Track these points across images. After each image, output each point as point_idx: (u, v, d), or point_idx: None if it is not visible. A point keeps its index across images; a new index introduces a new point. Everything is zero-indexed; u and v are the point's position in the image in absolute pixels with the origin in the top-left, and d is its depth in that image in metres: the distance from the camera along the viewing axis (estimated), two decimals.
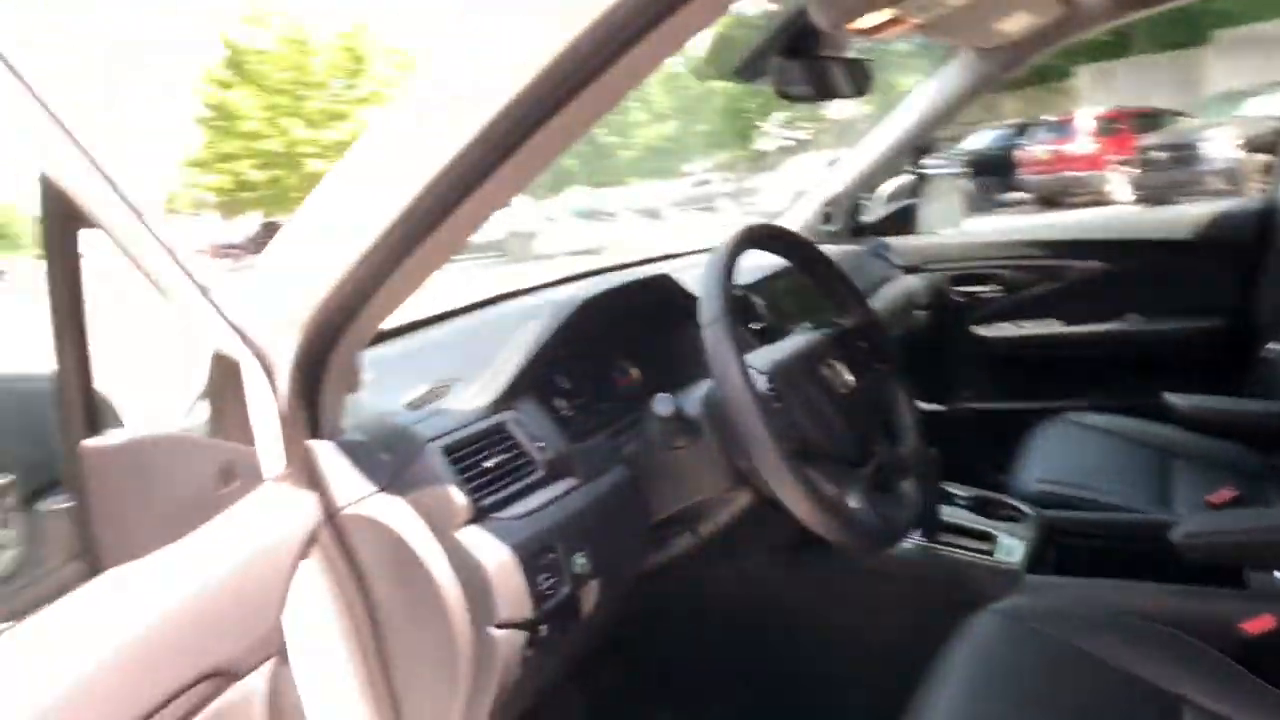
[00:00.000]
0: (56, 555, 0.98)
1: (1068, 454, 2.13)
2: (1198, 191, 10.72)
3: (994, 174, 13.82)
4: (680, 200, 20.10)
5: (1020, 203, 13.72)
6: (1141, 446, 2.14)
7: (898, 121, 2.58)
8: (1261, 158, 10.47)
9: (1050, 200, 13.36)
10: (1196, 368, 2.47)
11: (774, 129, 21.02)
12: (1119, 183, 12.60)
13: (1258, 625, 1.51)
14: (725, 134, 22.44)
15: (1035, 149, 13.82)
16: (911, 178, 2.88)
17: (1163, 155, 11.82)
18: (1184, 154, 11.51)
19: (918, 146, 2.72)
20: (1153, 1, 2.19)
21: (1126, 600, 1.60)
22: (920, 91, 2.53)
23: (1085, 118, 13.68)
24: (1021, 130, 14.60)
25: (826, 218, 2.65)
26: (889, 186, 2.87)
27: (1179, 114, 13.45)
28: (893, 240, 2.76)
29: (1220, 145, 11.10)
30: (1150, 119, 13.34)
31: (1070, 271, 2.67)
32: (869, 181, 2.71)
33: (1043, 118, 14.61)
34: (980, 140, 14.85)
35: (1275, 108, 10.97)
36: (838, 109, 20.36)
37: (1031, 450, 2.15)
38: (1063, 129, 13.68)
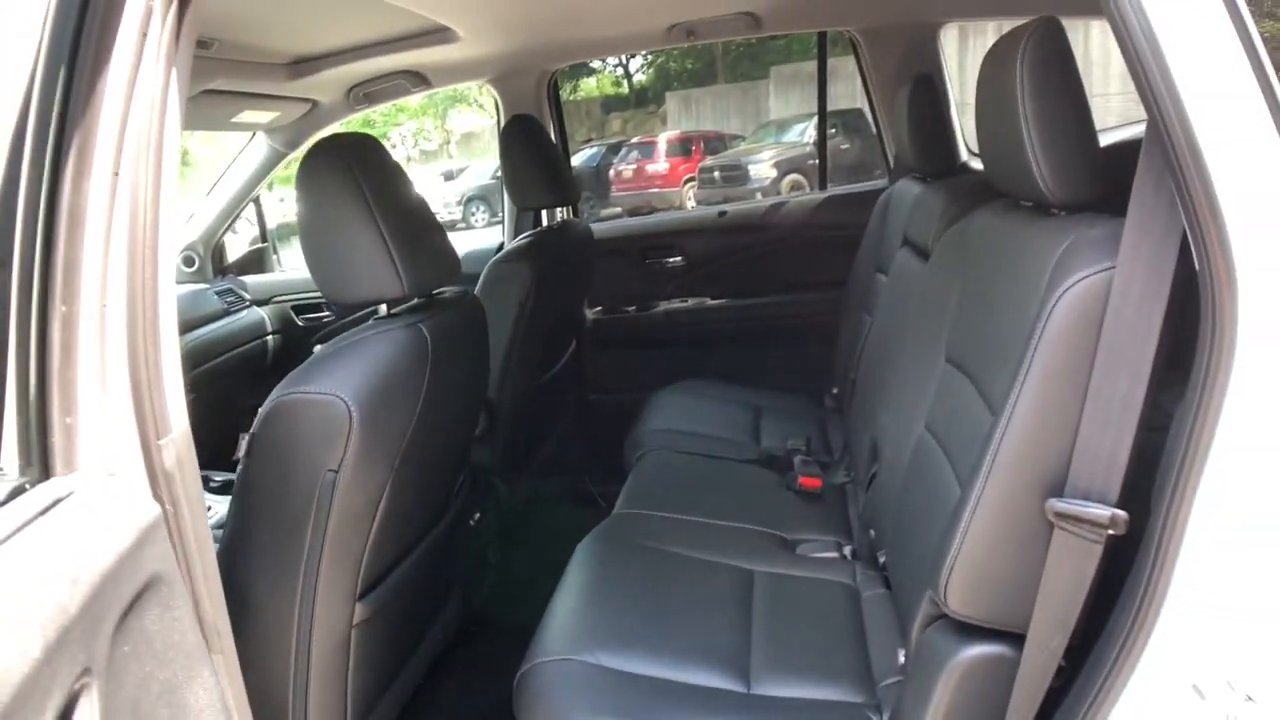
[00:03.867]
0: None
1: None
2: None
3: (594, 190, 14.88)
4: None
5: (616, 215, 14.84)
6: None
7: (234, 179, 3.17)
8: (790, 177, 12.48)
9: (636, 214, 14.47)
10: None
11: (401, 140, 20.80)
12: (690, 198, 13.85)
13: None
14: None
15: (624, 167, 14.73)
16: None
17: (717, 175, 13.25)
18: (733, 173, 13.00)
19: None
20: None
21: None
22: (247, 155, 3.15)
23: (664, 140, 14.92)
24: (615, 149, 15.63)
25: (189, 261, 3.13)
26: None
27: (738, 137, 15.26)
28: (248, 278, 3.28)
29: (761, 167, 12.76)
30: (717, 141, 14.96)
31: None
32: (216, 229, 3.21)
33: (634, 140, 15.91)
34: (580, 158, 15.80)
35: (809, 135, 12.96)
36: (459, 123, 20.66)
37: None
38: (647, 149, 14.82)
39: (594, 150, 16.02)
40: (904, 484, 1.60)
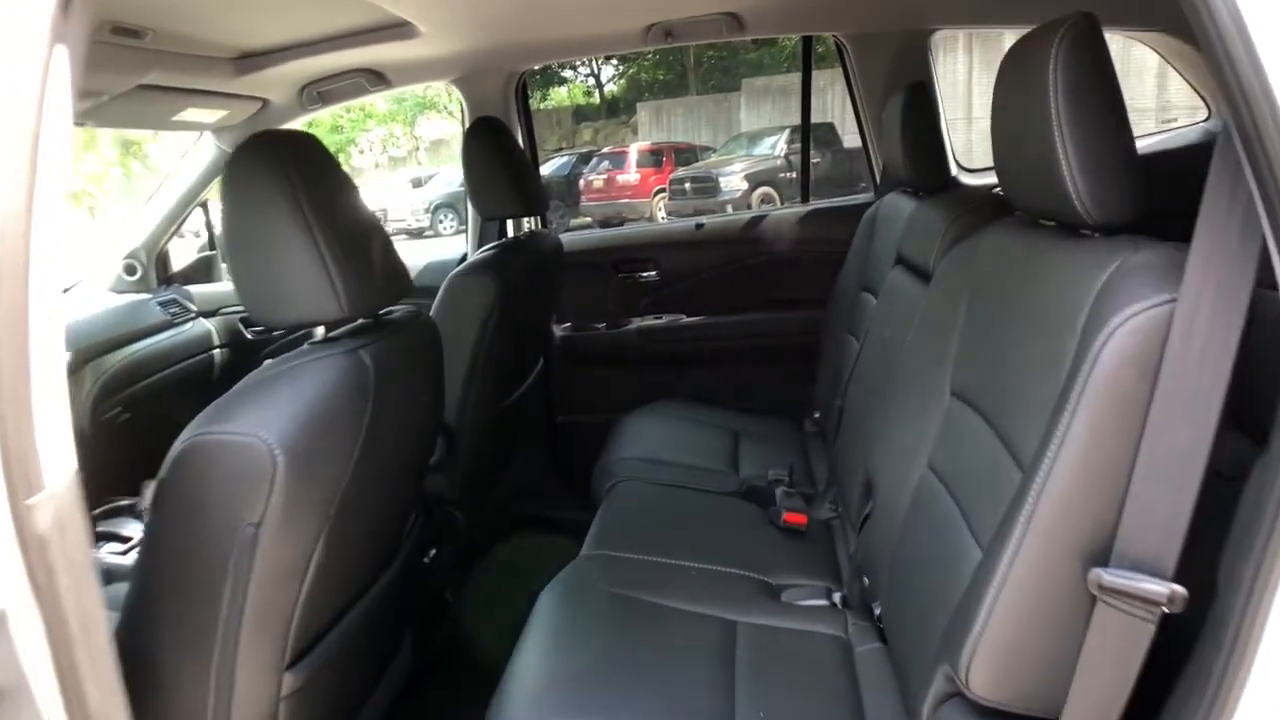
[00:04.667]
0: None
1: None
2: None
3: (563, 199, 14.77)
4: None
5: (586, 225, 14.75)
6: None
7: (180, 183, 2.88)
8: (761, 190, 12.40)
9: (607, 224, 14.36)
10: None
11: (369, 146, 20.50)
12: (661, 209, 13.77)
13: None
14: None
15: (594, 177, 14.63)
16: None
17: (688, 186, 13.16)
18: (704, 185, 12.93)
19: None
20: None
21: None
22: (192, 158, 2.87)
23: (635, 150, 14.84)
24: (586, 159, 15.52)
25: (130, 269, 2.85)
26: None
27: (709, 149, 15.16)
28: (194, 288, 3.01)
29: (732, 179, 12.69)
30: (688, 153, 14.87)
31: None
32: (160, 235, 2.93)
33: (604, 150, 15.79)
34: (551, 167, 15.64)
35: (780, 148, 12.91)
36: (429, 130, 20.38)
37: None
38: (618, 159, 14.74)
39: (564, 159, 15.87)
40: (903, 530, 1.44)
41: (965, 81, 11.92)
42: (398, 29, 2.22)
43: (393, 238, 1.51)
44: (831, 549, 1.92)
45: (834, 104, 10.05)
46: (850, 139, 10.52)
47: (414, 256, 3.11)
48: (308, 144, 1.29)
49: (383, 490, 1.40)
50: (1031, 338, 1.12)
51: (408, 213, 15.55)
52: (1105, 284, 0.97)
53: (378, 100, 17.09)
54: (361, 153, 20.56)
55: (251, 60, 2.35)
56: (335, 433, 1.19)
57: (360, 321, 1.33)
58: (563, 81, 20.18)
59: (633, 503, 2.07)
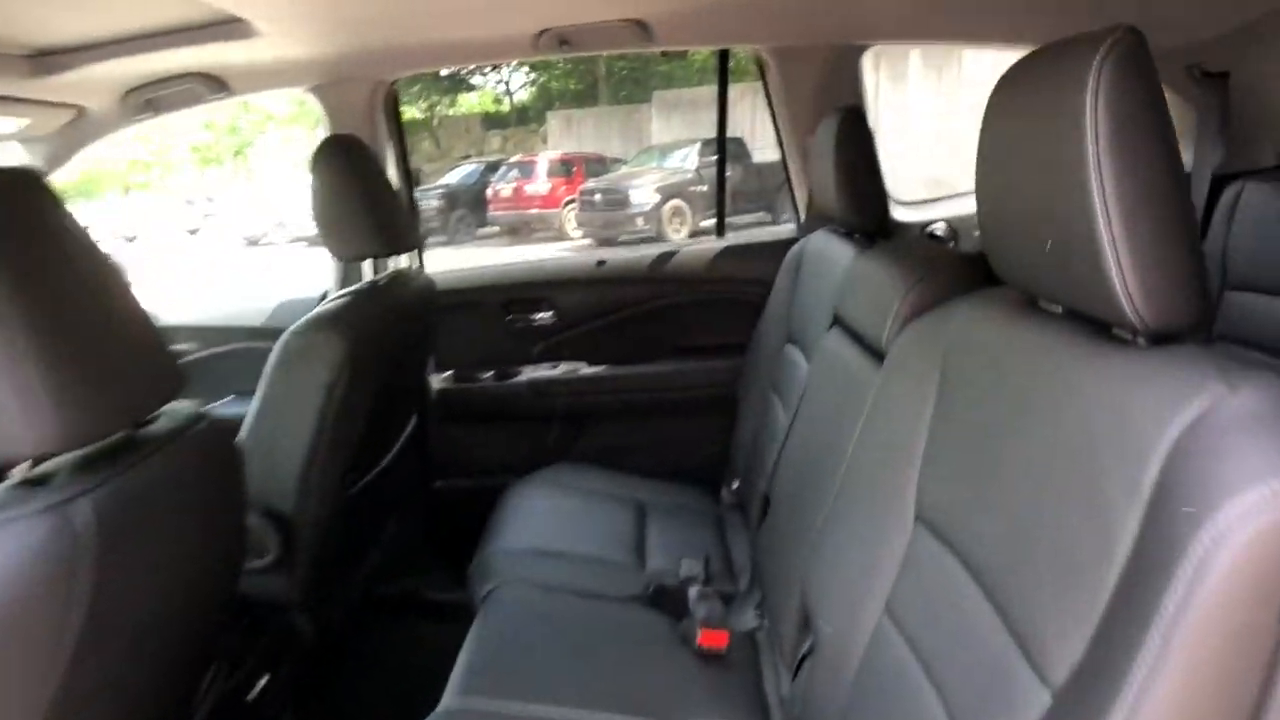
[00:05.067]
0: None
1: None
2: (625, 231, 12.01)
3: (470, 208, 14.29)
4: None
5: (495, 235, 14.30)
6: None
7: None
8: (673, 203, 12.17)
9: (515, 234, 13.97)
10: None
11: (268, 150, 19.56)
12: (571, 220, 13.42)
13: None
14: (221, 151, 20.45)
15: (502, 186, 14.15)
16: None
17: (598, 198, 12.79)
18: (614, 197, 12.59)
19: None
20: None
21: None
22: None
23: (545, 160, 14.38)
24: (494, 167, 15.01)
25: None
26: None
27: (620, 160, 14.84)
28: None
29: (643, 191, 12.39)
30: (598, 164, 14.50)
31: None
32: None
33: (513, 159, 15.35)
34: (458, 175, 15.08)
35: (692, 160, 12.64)
36: None
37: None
38: (526, 169, 14.27)
39: (472, 168, 15.35)
40: (856, 691, 1.10)
41: (873, 98, 11.82)
42: (230, 26, 1.80)
43: (292, 244, 1.11)
44: (756, 678, 1.56)
45: (743, 118, 9.80)
46: (760, 154, 10.37)
47: (265, 299, 2.67)
48: (14, 186, 0.88)
49: (139, 674, 0.99)
50: (1046, 488, 0.79)
51: (308, 221, 14.77)
52: (1187, 438, 0.64)
53: (279, 101, 16.28)
54: (261, 157, 19.68)
55: (53, 59, 1.90)
56: (25, 634, 0.78)
57: (95, 446, 0.92)
58: (471, 88, 19.60)
59: (512, 619, 1.67)
